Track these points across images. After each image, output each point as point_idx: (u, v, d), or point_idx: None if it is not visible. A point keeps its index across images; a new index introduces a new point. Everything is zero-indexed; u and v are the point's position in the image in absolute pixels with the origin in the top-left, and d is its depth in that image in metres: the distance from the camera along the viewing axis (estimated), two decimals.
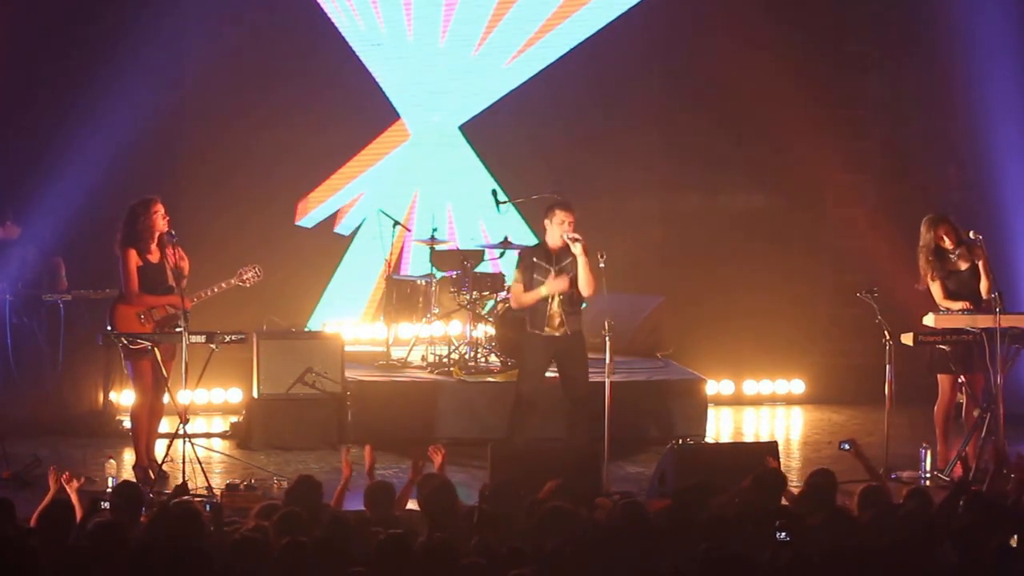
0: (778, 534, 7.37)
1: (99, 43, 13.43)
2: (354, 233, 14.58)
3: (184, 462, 10.59)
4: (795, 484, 9.73)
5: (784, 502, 8.62)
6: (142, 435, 10.89)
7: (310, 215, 14.50)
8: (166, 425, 11.60)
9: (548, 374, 11.16)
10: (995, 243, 11.56)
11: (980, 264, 11.01)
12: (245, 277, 10.86)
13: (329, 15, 14.35)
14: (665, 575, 7.08)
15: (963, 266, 11.14)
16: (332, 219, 14.56)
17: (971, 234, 11.09)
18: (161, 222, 10.66)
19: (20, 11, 13.45)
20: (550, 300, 10.83)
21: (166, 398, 10.90)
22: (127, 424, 12.24)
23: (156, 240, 10.68)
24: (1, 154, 13.35)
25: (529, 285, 10.86)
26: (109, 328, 10.60)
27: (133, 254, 10.63)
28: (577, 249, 10.67)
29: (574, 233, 10.71)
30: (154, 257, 10.69)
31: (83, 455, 11.38)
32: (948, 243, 11.11)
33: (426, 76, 14.60)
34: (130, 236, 10.67)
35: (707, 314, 14.17)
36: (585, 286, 10.79)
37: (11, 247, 12.69)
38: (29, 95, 13.48)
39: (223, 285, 10.80)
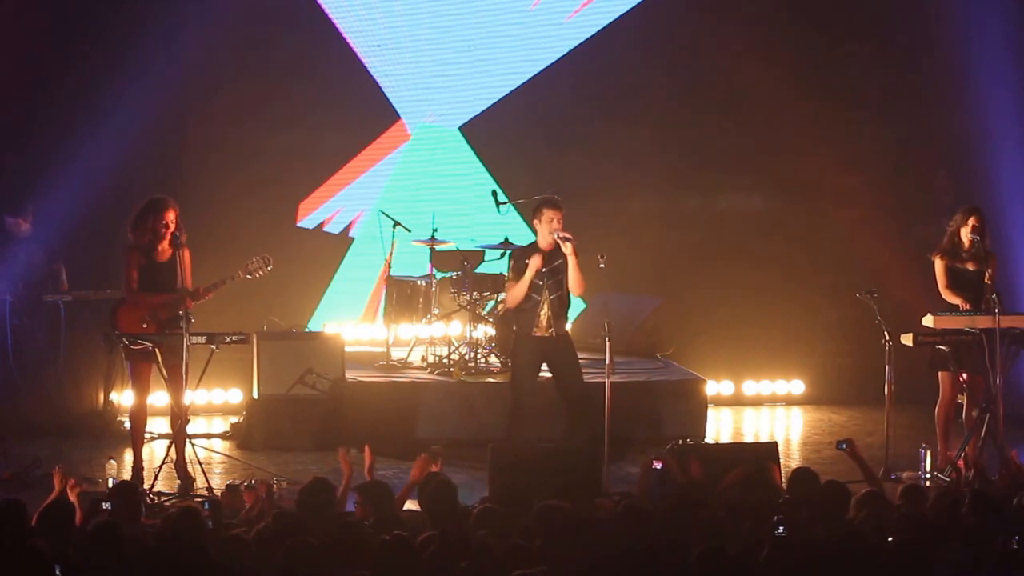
0: (776, 529, 7.37)
1: (106, 46, 13.46)
2: (354, 234, 14.59)
3: (184, 462, 10.63)
4: None
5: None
6: (139, 436, 10.85)
7: (311, 216, 14.52)
8: (165, 425, 11.61)
9: (542, 374, 11.18)
10: (994, 243, 11.53)
11: (988, 273, 10.98)
12: (251, 268, 10.80)
13: (330, 16, 14.36)
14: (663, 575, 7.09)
15: (971, 267, 11.13)
16: (332, 220, 14.57)
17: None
18: (170, 223, 10.59)
19: (27, 15, 13.47)
20: (541, 302, 10.85)
21: (164, 398, 10.90)
22: (127, 425, 12.27)
23: (168, 240, 10.63)
24: (9, 153, 13.36)
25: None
26: (114, 329, 10.58)
27: (135, 253, 10.61)
28: (568, 249, 10.67)
29: (565, 232, 10.69)
30: (162, 257, 10.64)
31: (83, 455, 11.37)
32: (967, 231, 11.08)
33: (426, 77, 14.61)
34: (136, 234, 10.64)
35: (707, 315, 14.17)
36: (575, 286, 10.82)
37: (19, 245, 12.70)
38: (37, 95, 13.50)
39: (229, 279, 10.75)
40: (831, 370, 14.44)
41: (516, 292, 10.85)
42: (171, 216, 10.56)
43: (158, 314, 10.53)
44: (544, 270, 10.84)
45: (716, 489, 8.79)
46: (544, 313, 10.87)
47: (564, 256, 10.78)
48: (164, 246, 10.60)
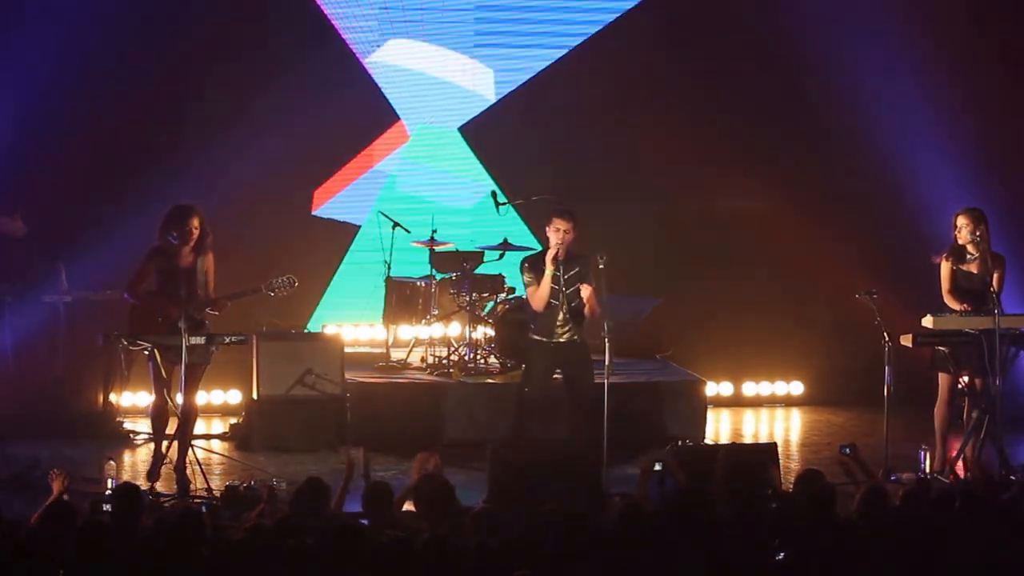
0: (776, 555, 7.34)
1: (105, 42, 13.47)
2: (354, 235, 14.59)
3: (184, 464, 10.62)
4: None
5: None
6: (157, 437, 10.77)
7: (309, 216, 14.53)
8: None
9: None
10: (993, 242, 11.52)
11: (995, 276, 10.96)
12: (275, 285, 10.76)
13: (328, 16, 14.36)
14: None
15: (975, 269, 11.11)
16: (331, 220, 14.58)
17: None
18: (194, 229, 10.53)
19: (37, 24, 13.52)
20: (558, 308, 10.84)
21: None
22: (127, 425, 12.30)
23: (191, 246, 10.58)
24: (17, 153, 13.39)
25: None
26: (130, 324, 10.55)
27: (153, 256, 10.57)
28: (585, 292, 10.72)
29: (587, 288, 10.72)
30: (184, 261, 10.57)
31: (83, 455, 11.36)
32: (963, 232, 11.07)
33: (426, 77, 14.61)
34: (162, 238, 10.58)
35: (706, 315, 14.17)
36: (589, 312, 10.85)
37: (14, 243, 12.69)
38: (44, 95, 13.52)
39: (251, 291, 10.74)
40: (830, 371, 14.43)
41: (541, 293, 10.82)
42: (195, 222, 10.52)
43: (169, 315, 10.49)
44: (561, 276, 10.83)
45: (713, 487, 8.78)
46: (560, 319, 10.88)
47: (579, 268, 10.81)
48: (187, 251, 10.56)
